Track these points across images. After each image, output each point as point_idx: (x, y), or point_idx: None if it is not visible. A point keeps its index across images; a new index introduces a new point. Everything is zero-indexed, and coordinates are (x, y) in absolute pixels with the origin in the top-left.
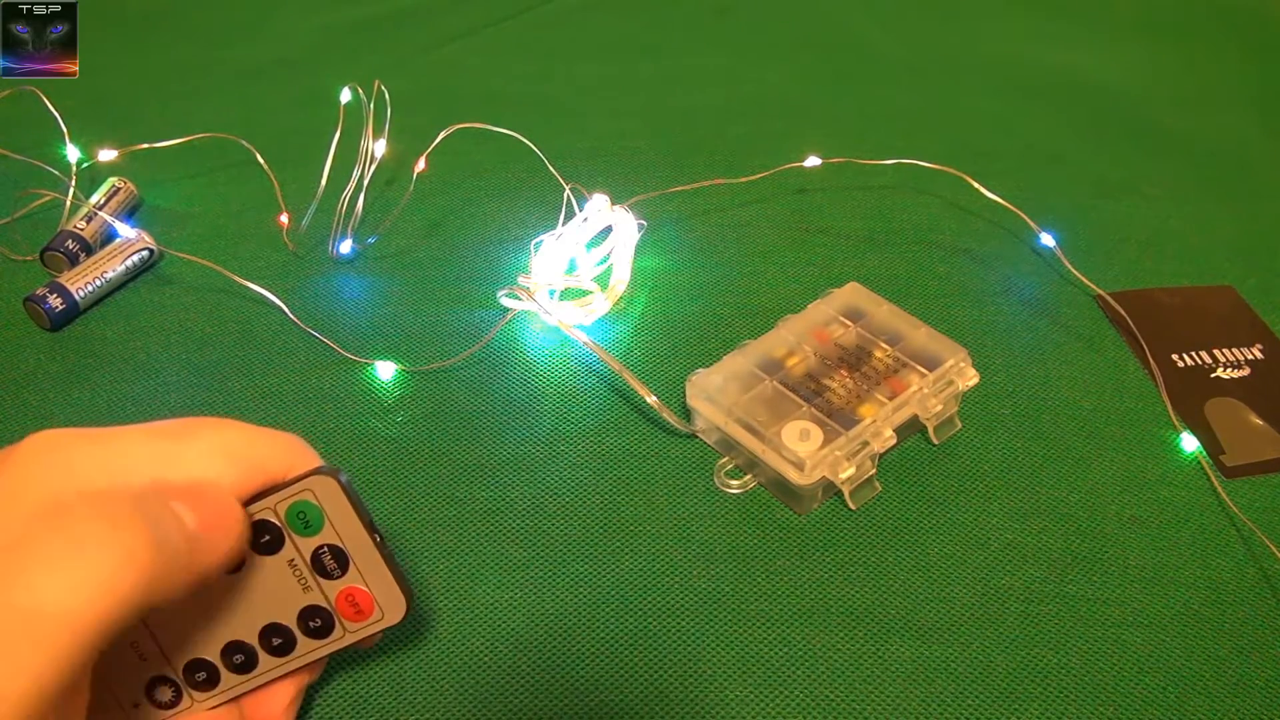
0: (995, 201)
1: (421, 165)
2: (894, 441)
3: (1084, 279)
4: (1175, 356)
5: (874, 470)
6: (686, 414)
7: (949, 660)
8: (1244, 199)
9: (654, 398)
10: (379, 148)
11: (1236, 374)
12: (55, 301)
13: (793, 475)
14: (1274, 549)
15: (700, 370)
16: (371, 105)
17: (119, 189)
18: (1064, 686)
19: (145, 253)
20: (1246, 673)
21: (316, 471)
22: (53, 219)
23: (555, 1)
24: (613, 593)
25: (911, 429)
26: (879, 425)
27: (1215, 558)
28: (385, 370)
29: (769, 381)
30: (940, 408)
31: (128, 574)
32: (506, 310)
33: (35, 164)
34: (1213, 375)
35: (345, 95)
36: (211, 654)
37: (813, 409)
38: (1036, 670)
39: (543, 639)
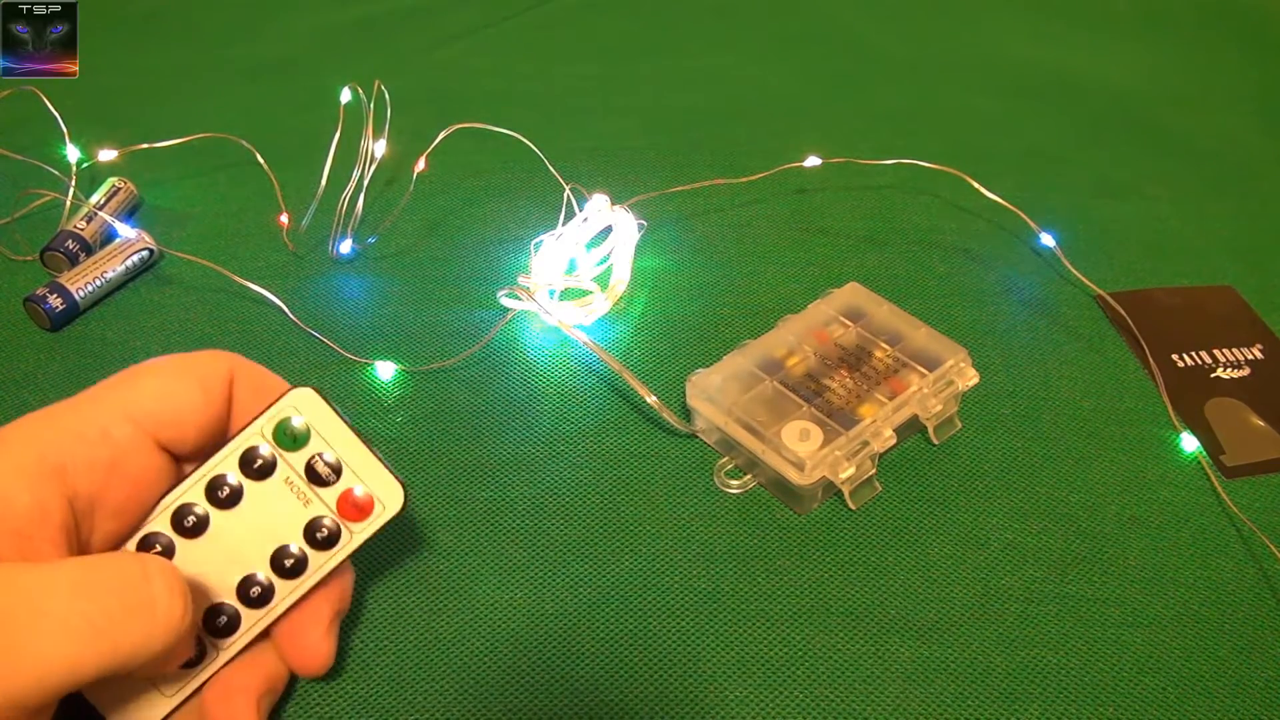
0: (995, 201)
1: (421, 165)
2: (894, 441)
3: (1084, 279)
4: (1175, 356)
5: (874, 470)
6: (686, 414)
7: (949, 660)
8: (1244, 199)
9: (654, 398)
10: (379, 148)
11: (1236, 374)
12: (55, 301)
13: (793, 475)
14: (1274, 549)
15: (700, 370)
16: (371, 105)
17: (119, 189)
18: (1064, 686)
19: (145, 253)
20: (1246, 673)
21: (292, 388)
22: (53, 219)
23: (555, 1)
24: (613, 593)
25: (911, 429)
26: (879, 425)
27: (1215, 558)
28: (385, 370)
29: (769, 381)
30: (940, 408)
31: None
32: (506, 310)
33: (35, 164)
34: (1213, 375)
35: (345, 95)
36: (227, 595)
37: (813, 409)
38: (1036, 670)
39: (543, 639)
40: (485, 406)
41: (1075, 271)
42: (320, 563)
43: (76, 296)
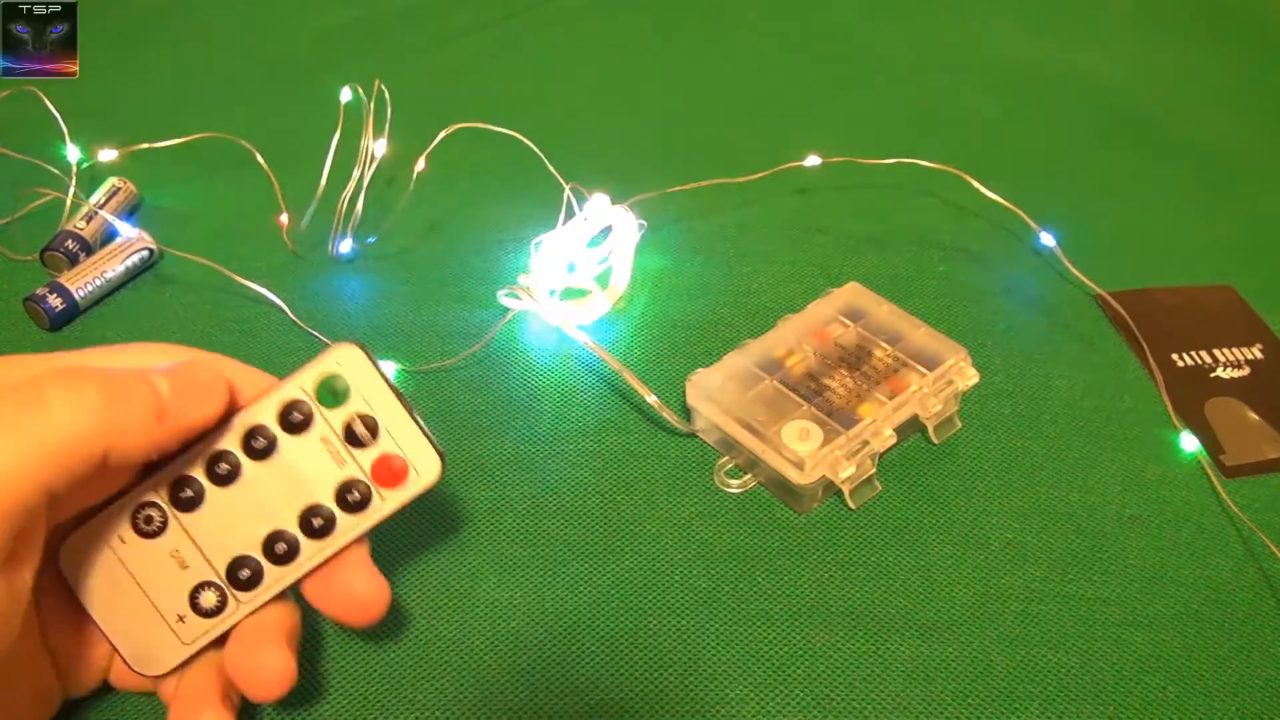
0: (995, 201)
1: (421, 165)
2: (894, 441)
3: (1084, 279)
4: (1175, 356)
5: (874, 470)
6: (686, 414)
7: (949, 659)
8: (1244, 199)
9: (654, 397)
10: (379, 148)
11: (1236, 374)
12: (55, 301)
13: (793, 475)
14: (1274, 549)
15: (700, 370)
16: (371, 105)
17: (119, 189)
18: (1064, 686)
19: (145, 253)
20: (1246, 672)
21: (338, 344)
22: (53, 219)
23: (555, 1)
24: (613, 592)
25: (911, 428)
26: (879, 425)
27: (1215, 558)
28: (385, 370)
29: (769, 381)
30: (940, 407)
31: (80, 418)
32: (506, 310)
33: (35, 164)
34: (1213, 375)
35: (345, 95)
36: (253, 548)
37: (813, 408)
38: (1036, 670)
39: (543, 638)
40: (485, 406)
41: (1075, 271)
42: (349, 526)
43: (76, 296)
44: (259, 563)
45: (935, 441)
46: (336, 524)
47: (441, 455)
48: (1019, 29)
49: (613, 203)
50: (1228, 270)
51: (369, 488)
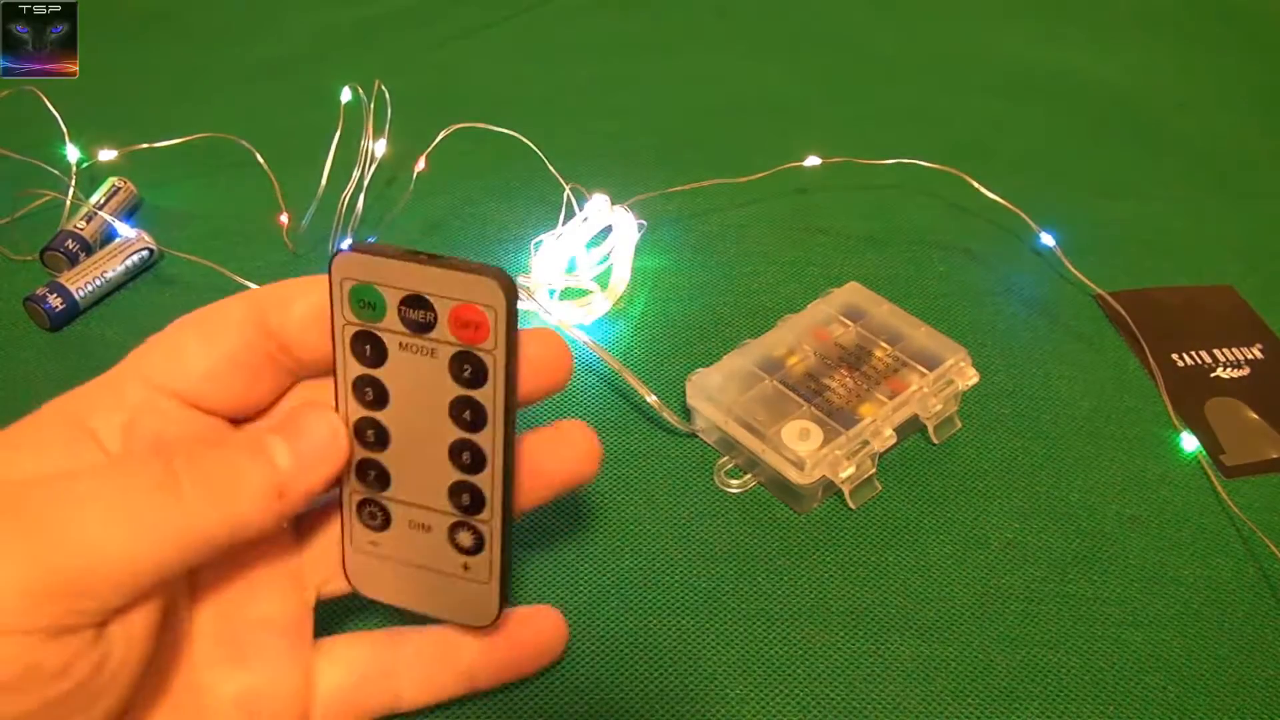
0: (995, 201)
1: (421, 165)
2: (894, 441)
3: (1084, 279)
4: (1175, 356)
5: (874, 470)
6: (686, 413)
7: (949, 659)
8: (1244, 199)
9: (654, 397)
10: (379, 148)
11: (1236, 374)
12: (55, 301)
13: (793, 474)
14: (1274, 549)
15: (700, 370)
16: (371, 105)
17: (119, 189)
18: (1064, 686)
19: (145, 253)
20: (1247, 672)
21: (331, 264)
22: (53, 219)
23: (555, 1)
24: (613, 592)
25: (911, 428)
26: (879, 424)
27: (1215, 557)
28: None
29: (769, 381)
30: (940, 407)
31: (210, 515)
32: None
33: (35, 164)
34: (1213, 375)
35: (345, 95)
36: (450, 474)
37: (813, 408)
38: (1036, 669)
39: None
40: None
41: (1075, 271)
42: (488, 397)
43: (76, 296)
44: (465, 481)
45: (935, 441)
46: (477, 405)
47: (495, 273)
48: (1019, 29)
49: (613, 203)
50: (1228, 270)
51: (470, 353)
